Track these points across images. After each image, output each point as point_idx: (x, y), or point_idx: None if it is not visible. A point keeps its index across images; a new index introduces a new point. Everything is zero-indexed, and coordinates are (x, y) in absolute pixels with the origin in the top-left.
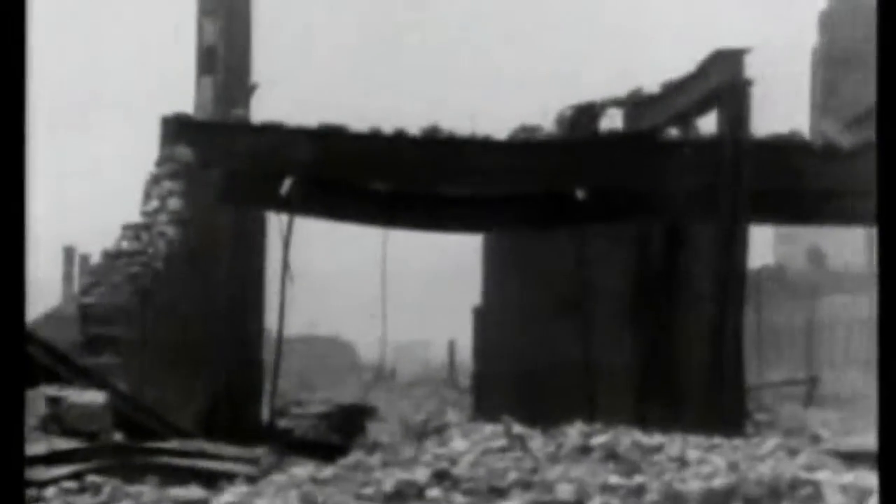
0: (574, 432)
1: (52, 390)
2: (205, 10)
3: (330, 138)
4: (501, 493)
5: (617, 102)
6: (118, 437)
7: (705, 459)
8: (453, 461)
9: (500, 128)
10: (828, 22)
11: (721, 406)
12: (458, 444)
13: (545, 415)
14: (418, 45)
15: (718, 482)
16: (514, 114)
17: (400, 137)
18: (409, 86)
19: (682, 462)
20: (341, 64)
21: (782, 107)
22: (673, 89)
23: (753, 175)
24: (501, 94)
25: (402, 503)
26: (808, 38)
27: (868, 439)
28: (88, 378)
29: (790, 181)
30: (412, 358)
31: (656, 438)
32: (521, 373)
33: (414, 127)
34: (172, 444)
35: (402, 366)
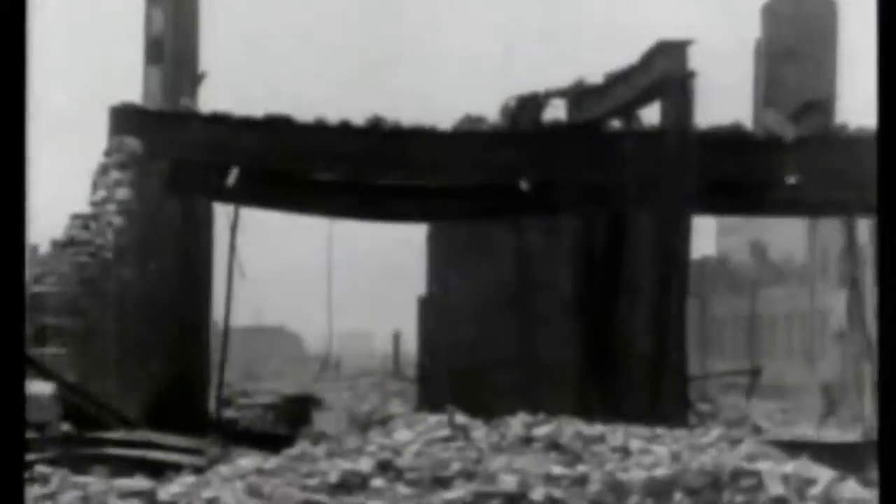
0: (517, 423)
1: None
2: (152, 0)
3: (275, 129)
4: (445, 483)
5: (560, 93)
6: (66, 427)
7: (647, 450)
8: (397, 452)
9: (449, 117)
10: (771, 14)
11: (663, 396)
12: (402, 434)
13: (488, 405)
14: (370, 35)
15: (660, 472)
16: (463, 101)
17: (345, 128)
18: (359, 76)
19: (625, 452)
20: (290, 54)
21: (726, 99)
22: (616, 80)
23: (696, 166)
24: (451, 82)
25: (346, 493)
26: (752, 30)
27: (808, 430)
28: (36, 368)
29: (733, 173)
30: (358, 349)
31: (598, 429)
32: (465, 363)
33: (361, 116)
34: (120, 434)
35: (348, 357)
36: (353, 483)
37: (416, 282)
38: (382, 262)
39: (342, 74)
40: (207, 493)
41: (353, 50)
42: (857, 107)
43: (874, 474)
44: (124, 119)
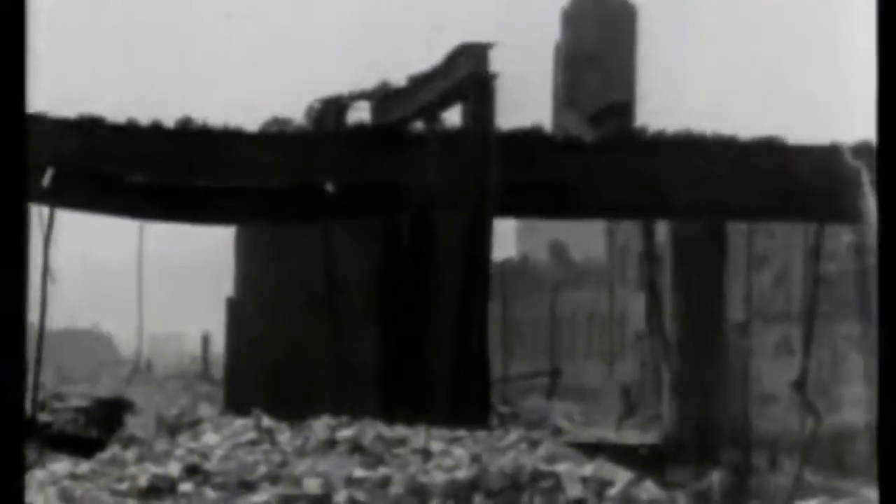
0: (321, 426)
1: None
2: None
3: (89, 129)
4: (251, 486)
5: (364, 96)
6: None
7: (448, 452)
8: (205, 455)
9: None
10: (571, 18)
11: (465, 399)
12: (210, 438)
13: (294, 408)
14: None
15: (461, 474)
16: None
17: (156, 129)
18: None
19: (426, 454)
20: (110, 53)
21: (527, 101)
22: (420, 83)
23: (498, 169)
24: (260, 84)
25: (156, 498)
26: (552, 33)
27: (607, 431)
28: None
29: (533, 175)
30: (168, 351)
31: (401, 431)
32: (272, 366)
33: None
34: None
35: (159, 359)
36: (162, 487)
37: (225, 284)
38: (193, 264)
39: (153, 76)
40: None
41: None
42: (655, 110)
43: (671, 475)
44: None
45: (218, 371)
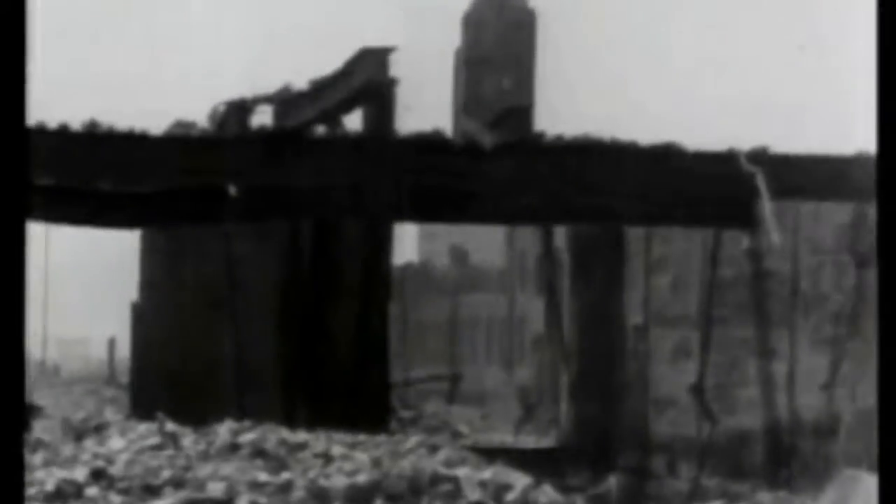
0: (224, 430)
1: None
2: None
3: None
4: (155, 491)
5: (267, 99)
6: None
7: (349, 456)
8: (110, 460)
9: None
10: (471, 24)
11: (365, 403)
12: (115, 442)
13: (198, 412)
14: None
15: (362, 478)
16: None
17: (63, 132)
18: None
19: (328, 458)
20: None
21: (428, 106)
22: (321, 87)
23: (398, 173)
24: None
25: (62, 503)
26: (453, 39)
27: (506, 435)
28: None
29: (434, 180)
30: (75, 355)
31: (302, 435)
32: (176, 370)
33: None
34: None
35: (66, 363)
36: (68, 492)
37: (130, 288)
38: (98, 268)
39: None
40: None
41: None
42: (554, 114)
43: (570, 479)
44: None
45: (124, 375)
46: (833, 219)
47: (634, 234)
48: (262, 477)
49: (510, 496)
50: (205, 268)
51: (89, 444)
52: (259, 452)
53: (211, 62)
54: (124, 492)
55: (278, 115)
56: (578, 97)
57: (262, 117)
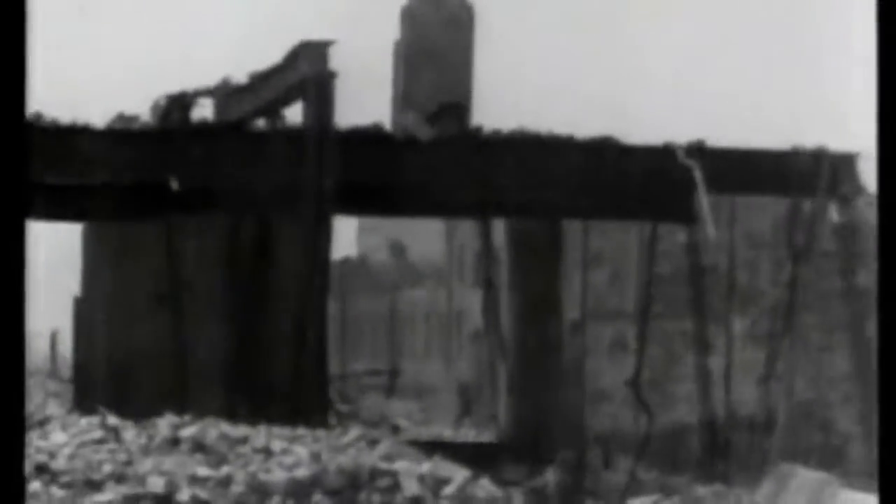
0: (165, 424)
1: None
2: None
3: None
4: (97, 485)
5: (207, 93)
6: None
7: (289, 450)
8: (52, 454)
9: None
10: (410, 16)
11: (305, 397)
12: (57, 436)
13: (140, 407)
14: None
15: (301, 473)
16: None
17: None
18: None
19: (267, 453)
20: None
21: (368, 100)
22: (261, 80)
23: (338, 167)
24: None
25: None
26: (393, 32)
27: (445, 429)
28: None
29: (373, 173)
30: None
31: (242, 430)
32: (118, 364)
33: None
34: None
35: None
36: None
37: (73, 281)
38: (41, 262)
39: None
40: None
41: None
42: (492, 109)
43: (507, 473)
44: None
45: (67, 369)
46: (770, 213)
47: (572, 228)
48: (203, 471)
49: (448, 490)
50: (147, 262)
51: (32, 438)
52: (200, 447)
53: (150, 55)
54: (66, 486)
55: (219, 109)
56: (516, 91)
57: (203, 111)
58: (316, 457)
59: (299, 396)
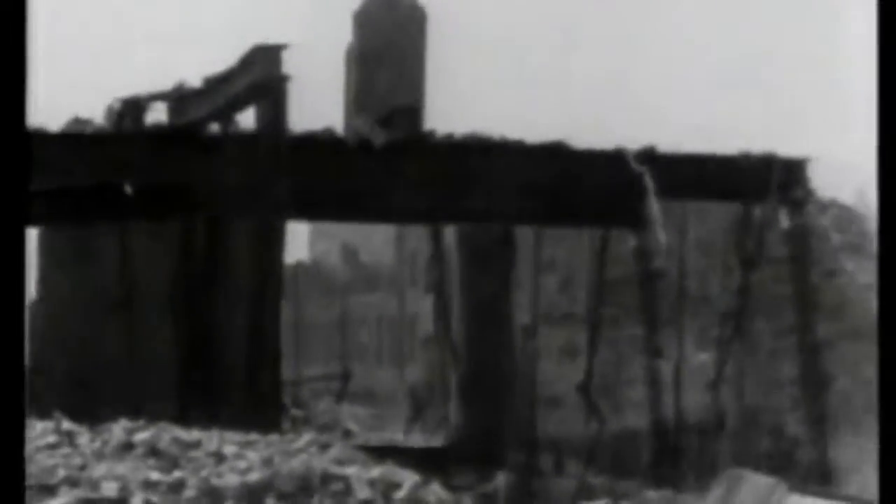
0: (118, 428)
1: None
2: None
3: None
4: (51, 490)
5: (161, 96)
6: None
7: (241, 455)
8: None
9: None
10: (362, 20)
11: (258, 401)
12: None
13: (93, 411)
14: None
15: (253, 477)
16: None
17: None
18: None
19: (220, 457)
20: None
21: (321, 104)
22: (215, 84)
23: (290, 172)
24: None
25: None
26: (345, 36)
27: (396, 434)
28: None
29: (325, 178)
30: None
31: (195, 434)
32: (72, 368)
33: None
34: None
35: None
36: None
37: (28, 286)
38: None
39: None
40: None
41: None
42: (444, 113)
43: (458, 478)
44: None
45: None
46: (719, 219)
47: (523, 234)
48: (155, 476)
49: (399, 494)
50: (101, 266)
51: None
52: (153, 451)
53: (106, 58)
54: None
55: (173, 113)
56: (468, 95)
57: (157, 115)
58: (268, 461)
59: (252, 401)
